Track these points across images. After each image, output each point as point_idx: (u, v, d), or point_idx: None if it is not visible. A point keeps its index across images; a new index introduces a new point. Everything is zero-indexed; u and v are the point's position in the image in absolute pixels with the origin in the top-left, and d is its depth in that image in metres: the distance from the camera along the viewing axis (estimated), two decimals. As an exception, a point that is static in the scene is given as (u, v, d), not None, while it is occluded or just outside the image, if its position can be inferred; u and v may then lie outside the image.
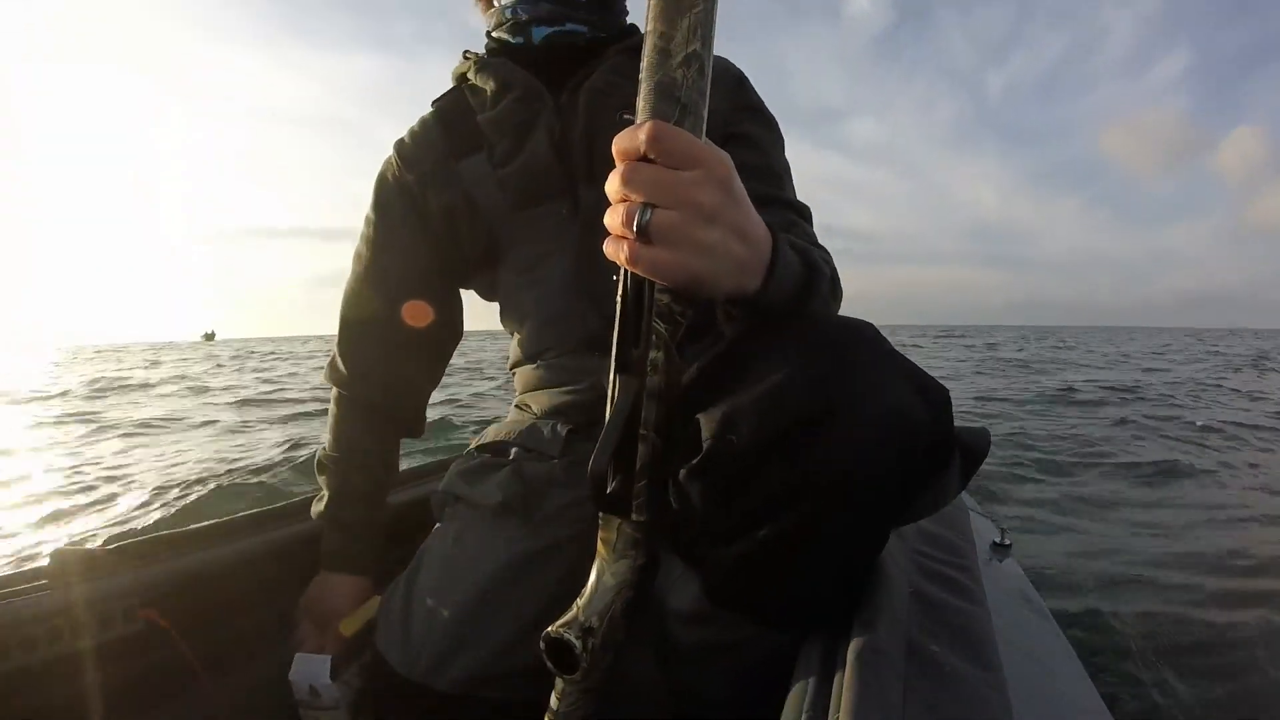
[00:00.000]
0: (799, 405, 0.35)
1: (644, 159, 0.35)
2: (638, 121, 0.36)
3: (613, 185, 0.36)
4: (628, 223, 0.35)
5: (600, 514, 0.44)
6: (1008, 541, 1.06)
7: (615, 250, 0.36)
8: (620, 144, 0.35)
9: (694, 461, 0.37)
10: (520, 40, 0.74)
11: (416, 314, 0.79)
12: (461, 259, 0.79)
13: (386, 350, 0.82)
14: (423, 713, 0.65)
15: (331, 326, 0.85)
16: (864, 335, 0.38)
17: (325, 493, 0.83)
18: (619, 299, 0.39)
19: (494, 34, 0.76)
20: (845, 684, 0.33)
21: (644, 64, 0.36)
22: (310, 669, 0.75)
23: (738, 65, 0.77)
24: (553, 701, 0.48)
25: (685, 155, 0.34)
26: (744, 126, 0.72)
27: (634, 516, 0.42)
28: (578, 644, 0.43)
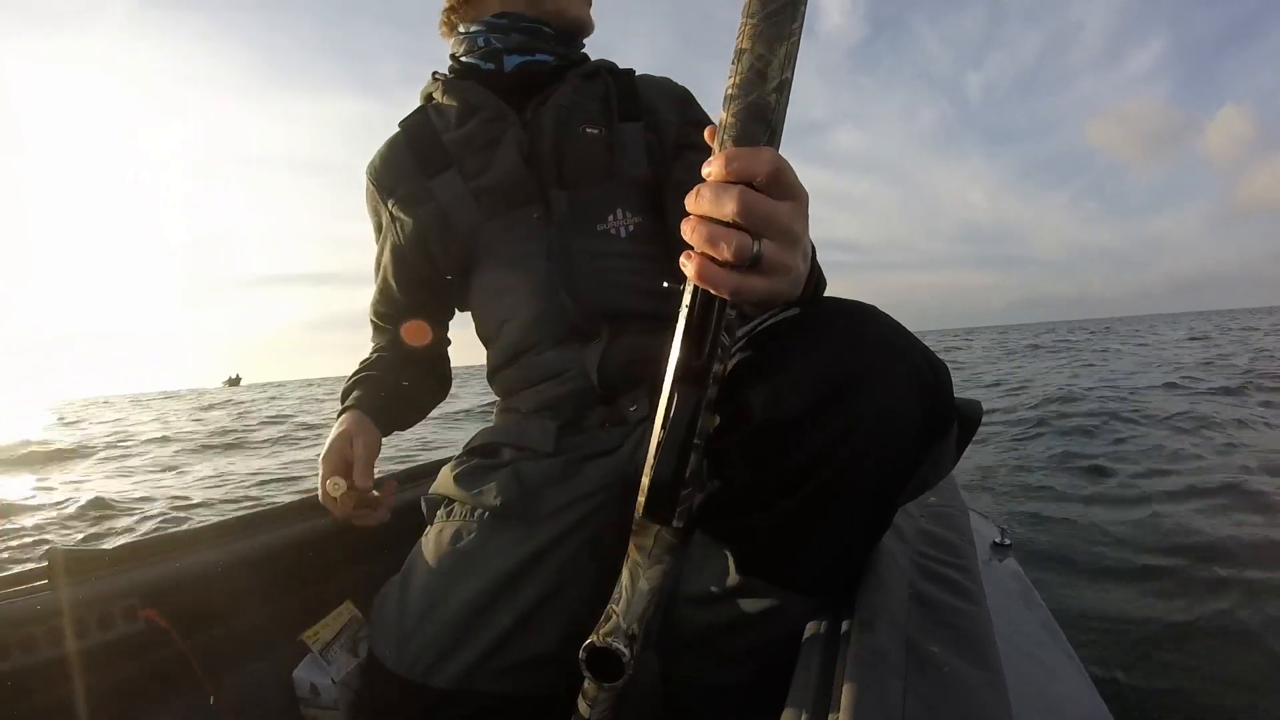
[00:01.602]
0: (833, 375, 0.39)
1: (735, 182, 0.35)
2: (723, 137, 0.36)
3: (717, 206, 0.34)
4: (739, 256, 0.34)
5: (636, 519, 0.44)
6: (1008, 541, 1.06)
7: (714, 277, 0.35)
8: (737, 164, 0.34)
9: (747, 430, 0.41)
10: (492, 66, 0.78)
11: (414, 333, 0.85)
12: (441, 271, 0.82)
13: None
14: (420, 711, 0.65)
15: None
16: (876, 314, 0.43)
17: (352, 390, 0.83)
18: (684, 310, 0.39)
19: (463, 59, 0.80)
20: (845, 684, 0.33)
21: (735, 82, 0.36)
22: (313, 667, 0.75)
23: (710, 81, 0.83)
24: (583, 709, 0.48)
25: (791, 188, 0.35)
26: (696, 138, 0.77)
27: (675, 523, 0.43)
28: (627, 652, 0.44)
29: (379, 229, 0.85)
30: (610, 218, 0.74)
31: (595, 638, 0.45)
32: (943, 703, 0.32)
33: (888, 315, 0.43)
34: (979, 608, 0.43)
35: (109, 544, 0.78)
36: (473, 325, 0.86)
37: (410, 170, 0.78)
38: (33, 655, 0.66)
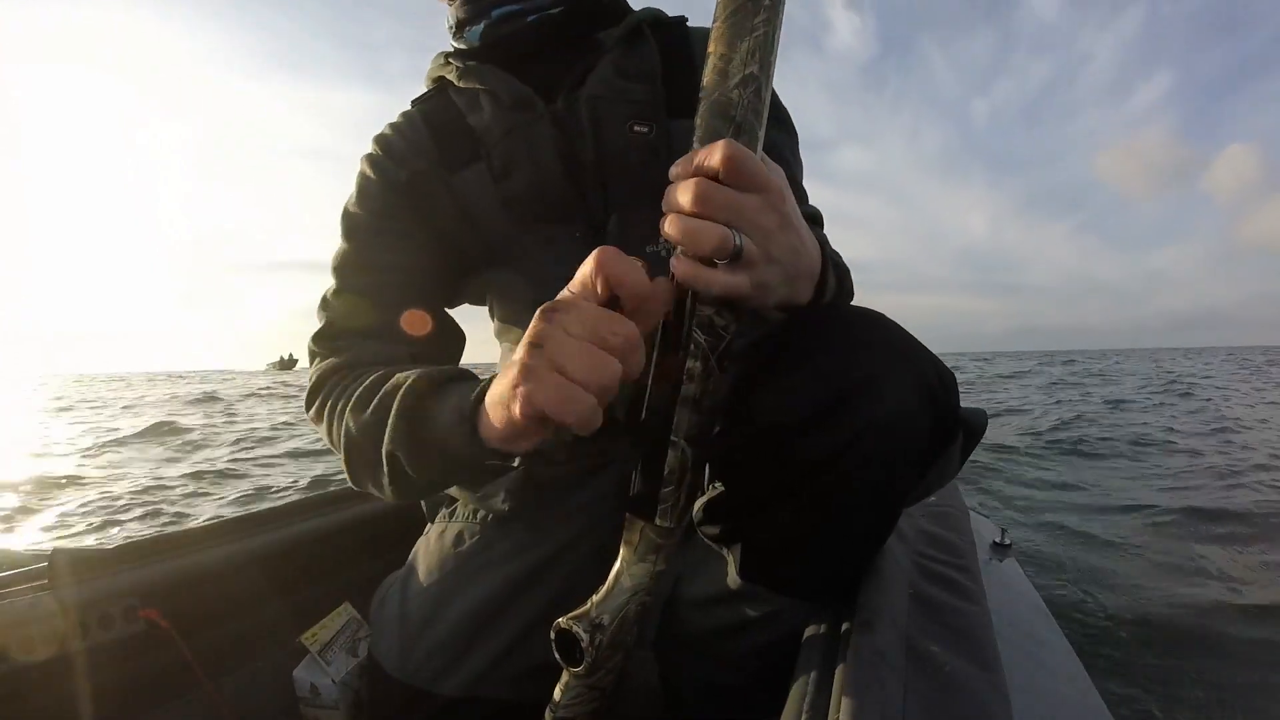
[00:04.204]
0: (840, 381, 0.39)
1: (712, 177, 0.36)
2: (695, 139, 0.38)
3: (683, 199, 0.36)
4: (720, 249, 0.36)
5: (626, 515, 0.44)
6: (1008, 541, 1.06)
7: (699, 276, 0.37)
8: (696, 159, 0.36)
9: (751, 433, 0.40)
10: (464, 46, 0.69)
11: (415, 322, 0.68)
12: (456, 266, 0.70)
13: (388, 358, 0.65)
14: (424, 718, 0.65)
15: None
16: (884, 321, 0.43)
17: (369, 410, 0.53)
18: None
19: (452, 43, 0.71)
20: (845, 684, 0.33)
21: (703, 82, 0.38)
22: (313, 667, 0.75)
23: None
24: (556, 693, 0.49)
25: (753, 180, 0.36)
26: (769, 134, 0.68)
27: (658, 521, 0.42)
28: (585, 638, 0.44)
29: (371, 206, 0.67)
30: (660, 239, 0.66)
31: (563, 619, 0.45)
32: (943, 703, 0.32)
33: (895, 322, 0.43)
34: (979, 608, 0.43)
35: (109, 544, 0.78)
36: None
37: (429, 153, 0.66)
38: (33, 655, 0.66)
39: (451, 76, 0.68)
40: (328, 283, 0.68)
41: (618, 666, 0.47)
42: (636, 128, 0.64)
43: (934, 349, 0.42)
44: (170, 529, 0.84)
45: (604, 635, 0.44)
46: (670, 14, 0.72)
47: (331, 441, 0.59)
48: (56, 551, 0.72)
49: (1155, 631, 1.58)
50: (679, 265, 0.37)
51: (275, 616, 0.86)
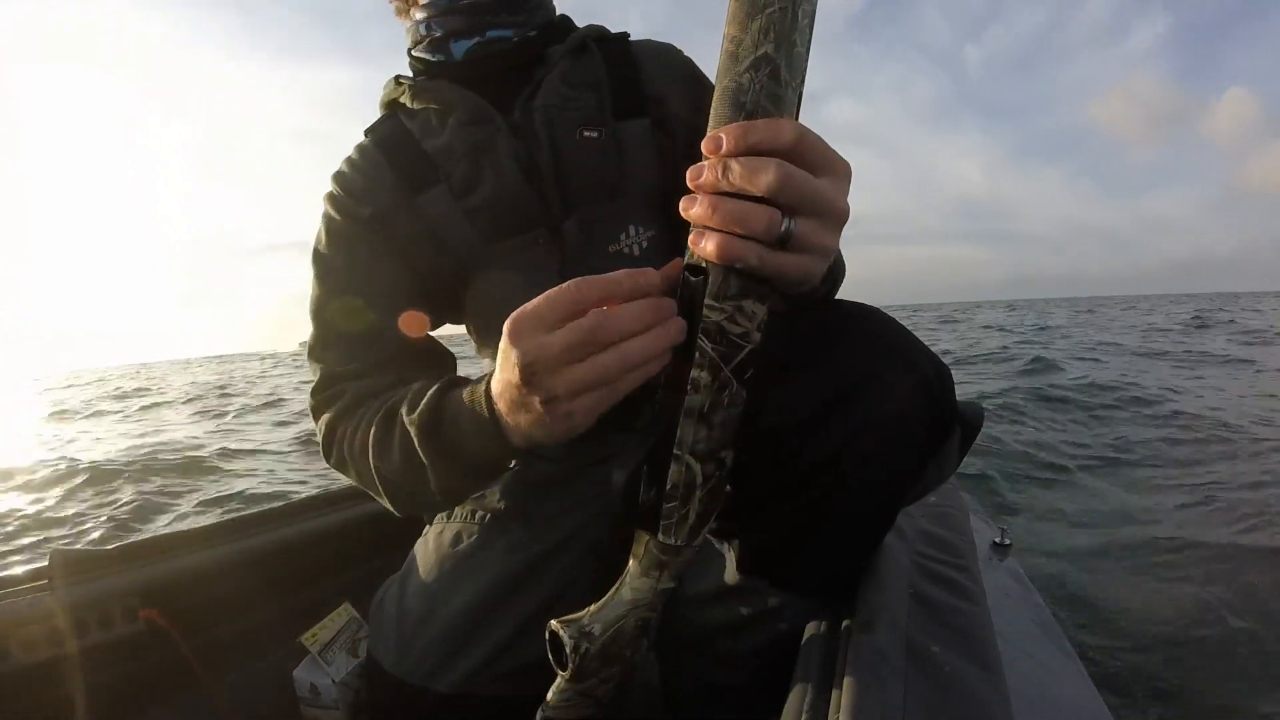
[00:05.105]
0: (840, 381, 0.39)
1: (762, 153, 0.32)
2: (710, 126, 0.34)
3: (749, 178, 0.32)
4: (770, 232, 0.32)
5: (635, 529, 0.44)
6: (1008, 541, 1.07)
7: (739, 249, 0.33)
8: (756, 136, 0.32)
9: (751, 433, 0.40)
10: (441, 58, 0.68)
11: (412, 324, 0.67)
12: (432, 289, 0.70)
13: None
14: (421, 714, 0.65)
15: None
16: (881, 318, 0.43)
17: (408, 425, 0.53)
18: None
19: (414, 52, 0.70)
20: (845, 684, 0.33)
21: (717, 67, 0.34)
22: (313, 667, 0.75)
23: (708, 51, 0.74)
24: (549, 694, 0.48)
25: (825, 160, 0.33)
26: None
27: (660, 537, 0.41)
28: (569, 643, 0.43)
29: (343, 246, 0.67)
30: (622, 236, 0.66)
31: (555, 621, 0.45)
32: (943, 703, 0.32)
33: (892, 318, 0.43)
34: (979, 608, 0.43)
35: (109, 544, 0.78)
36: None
37: (389, 183, 0.67)
38: (33, 655, 0.66)
39: (405, 99, 0.69)
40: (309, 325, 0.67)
41: (614, 678, 0.46)
42: (586, 133, 0.66)
43: (932, 300, 0.40)
44: (170, 529, 0.84)
45: (592, 645, 0.43)
46: (655, 22, 0.74)
47: (364, 485, 0.60)
48: (56, 552, 0.72)
49: (1157, 630, 1.58)
50: (730, 244, 0.33)
51: (275, 616, 0.86)
